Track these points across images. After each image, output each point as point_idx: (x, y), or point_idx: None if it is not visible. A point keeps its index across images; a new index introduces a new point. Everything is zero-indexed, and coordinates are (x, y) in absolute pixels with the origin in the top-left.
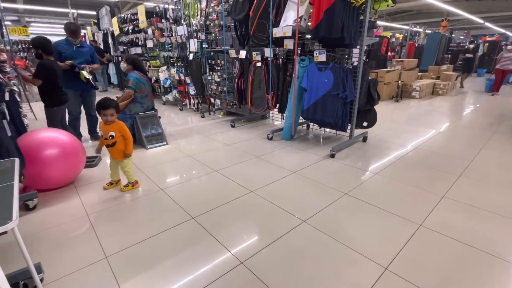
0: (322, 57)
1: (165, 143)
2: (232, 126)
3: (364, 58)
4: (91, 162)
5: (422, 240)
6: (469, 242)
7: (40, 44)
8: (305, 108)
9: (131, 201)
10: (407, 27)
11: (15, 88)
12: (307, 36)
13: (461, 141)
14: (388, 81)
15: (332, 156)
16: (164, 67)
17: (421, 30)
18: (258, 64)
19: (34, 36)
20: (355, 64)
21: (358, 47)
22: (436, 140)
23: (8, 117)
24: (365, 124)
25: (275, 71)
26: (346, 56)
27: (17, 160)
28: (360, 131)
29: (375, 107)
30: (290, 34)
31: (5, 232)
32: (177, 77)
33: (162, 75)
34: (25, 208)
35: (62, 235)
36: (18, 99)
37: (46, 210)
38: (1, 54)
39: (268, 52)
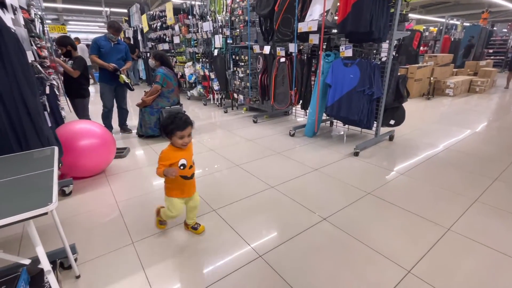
0: (349, 52)
1: None
2: (255, 122)
3: (394, 53)
4: (121, 153)
5: (450, 244)
6: (502, 249)
7: (69, 43)
8: (329, 104)
9: (157, 191)
10: (442, 20)
11: (54, 82)
12: (333, 30)
13: (498, 143)
14: (419, 77)
15: (356, 154)
16: (190, 63)
17: (458, 23)
18: (282, 59)
19: (60, 36)
20: (383, 59)
21: (387, 41)
22: (471, 141)
23: (48, 109)
24: (392, 122)
25: (299, 66)
26: (374, 51)
27: (56, 148)
28: (387, 130)
29: (404, 104)
30: (315, 28)
31: (45, 213)
32: (202, 73)
33: (188, 71)
34: (61, 193)
35: (94, 220)
36: (57, 93)
37: (80, 196)
38: (43, 50)
39: (292, 47)
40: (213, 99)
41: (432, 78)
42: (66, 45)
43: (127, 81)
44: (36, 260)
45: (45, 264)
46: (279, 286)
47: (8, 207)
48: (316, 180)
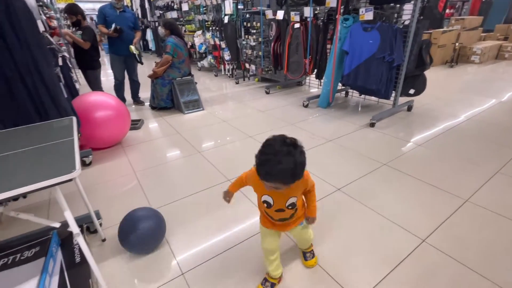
0: (369, 15)
1: (201, 109)
2: (267, 93)
3: (418, 16)
4: (135, 125)
5: (467, 215)
6: None
7: (80, 12)
8: (346, 73)
9: (173, 161)
10: None
11: (66, 54)
12: None
13: None
14: (443, 43)
15: (372, 125)
16: (199, 32)
17: None
18: (297, 25)
19: (69, 3)
20: (406, 23)
21: (412, 2)
22: (495, 111)
23: (63, 81)
24: (411, 91)
25: (314, 33)
26: (396, 15)
27: (74, 118)
28: (406, 99)
29: (425, 72)
30: None
31: (70, 180)
32: (212, 42)
33: (197, 40)
34: (82, 163)
35: (114, 188)
36: (70, 65)
37: (100, 166)
38: (52, 20)
39: (308, 11)
40: (224, 69)
41: (457, 44)
42: (76, 13)
43: (135, 52)
44: (65, 224)
45: (74, 227)
46: (292, 252)
47: (34, 174)
48: (330, 151)
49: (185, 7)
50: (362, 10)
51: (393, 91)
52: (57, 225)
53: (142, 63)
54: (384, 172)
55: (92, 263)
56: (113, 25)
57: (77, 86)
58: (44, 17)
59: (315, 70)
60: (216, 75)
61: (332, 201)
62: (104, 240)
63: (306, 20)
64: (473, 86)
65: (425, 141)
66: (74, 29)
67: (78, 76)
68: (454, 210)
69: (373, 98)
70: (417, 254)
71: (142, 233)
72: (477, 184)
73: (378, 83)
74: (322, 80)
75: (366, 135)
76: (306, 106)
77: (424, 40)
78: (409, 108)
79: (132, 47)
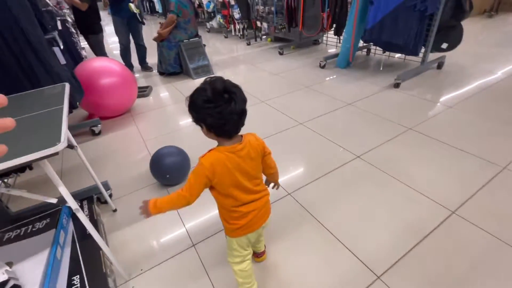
0: None
1: (211, 74)
2: (280, 54)
3: None
4: (143, 92)
5: (504, 184)
6: None
7: None
8: (369, 26)
9: (184, 128)
10: None
11: (68, 18)
12: None
13: None
14: None
15: (397, 85)
16: None
17: None
18: None
19: None
20: None
21: None
22: None
23: (61, 46)
24: (444, 46)
25: None
26: None
27: (67, 85)
28: (436, 56)
29: (462, 22)
30: None
31: (56, 153)
32: None
33: None
34: (91, 133)
35: (124, 158)
36: (72, 30)
37: (109, 135)
38: None
39: None
40: (234, 30)
41: None
42: None
43: (135, 11)
44: (77, 194)
45: (72, 203)
46: (307, 221)
47: (17, 148)
48: (349, 115)
49: None
50: None
51: (423, 46)
52: (53, 200)
53: (143, 23)
54: (409, 137)
55: (96, 236)
56: None
57: (83, 53)
58: None
59: (334, 26)
60: (226, 37)
61: (350, 169)
62: (115, 210)
63: None
64: None
65: (456, 102)
66: None
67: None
68: (490, 179)
69: (398, 55)
70: (446, 227)
71: (169, 166)
72: None
73: (406, 37)
74: (341, 37)
75: (390, 97)
76: (323, 67)
77: None
78: (440, 66)
79: (132, 5)
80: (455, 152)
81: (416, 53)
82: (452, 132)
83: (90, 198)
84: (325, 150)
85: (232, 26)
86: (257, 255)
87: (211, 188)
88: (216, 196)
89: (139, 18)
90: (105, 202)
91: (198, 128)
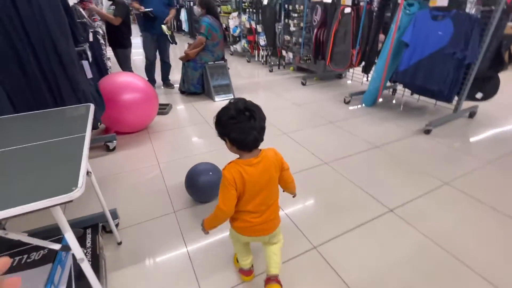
0: (443, 1)
1: (231, 95)
2: (303, 84)
3: (504, 5)
4: (163, 109)
5: None
6: None
7: None
8: (402, 68)
9: (199, 155)
10: None
11: (99, 30)
12: None
13: None
14: None
15: (427, 132)
16: (235, 14)
17: None
18: (347, 10)
19: None
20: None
21: None
22: None
23: (90, 58)
24: (479, 95)
25: (367, 20)
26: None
27: (92, 106)
28: (469, 104)
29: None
30: None
31: (69, 201)
32: (247, 25)
33: (232, 23)
34: (105, 148)
35: (136, 181)
36: (102, 41)
37: (123, 152)
38: None
39: None
40: (258, 55)
41: None
42: None
43: (167, 33)
44: (79, 222)
45: (77, 252)
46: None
47: (26, 185)
48: (378, 159)
49: None
50: None
51: (457, 94)
52: (57, 247)
53: (175, 43)
54: (447, 194)
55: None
56: (146, 9)
57: (108, 64)
58: None
59: (363, 63)
60: (248, 61)
61: (383, 224)
62: (119, 243)
63: (358, 5)
64: None
65: (495, 158)
66: (110, 4)
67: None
68: None
69: (427, 99)
70: None
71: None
72: None
73: (442, 84)
74: (369, 75)
75: (420, 144)
76: (347, 103)
77: (506, 35)
78: (472, 115)
79: (164, 27)
80: (504, 220)
81: (449, 100)
82: (496, 192)
83: (95, 226)
84: (355, 198)
85: (256, 51)
86: (267, 280)
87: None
88: None
89: (170, 39)
90: (110, 231)
91: (214, 155)
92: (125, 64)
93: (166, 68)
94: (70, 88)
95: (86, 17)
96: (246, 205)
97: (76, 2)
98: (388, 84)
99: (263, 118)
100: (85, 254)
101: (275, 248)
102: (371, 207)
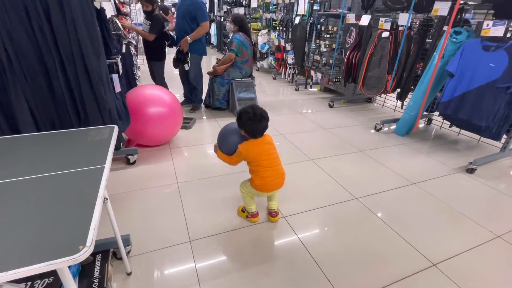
0: (498, 31)
1: None
2: (330, 106)
3: None
4: (187, 123)
5: None
6: None
7: (156, 1)
8: (445, 99)
9: (218, 177)
10: None
11: (132, 40)
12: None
13: None
14: None
15: (471, 171)
16: (264, 31)
17: None
18: (385, 34)
19: None
20: None
21: None
22: None
23: (121, 71)
24: None
25: (406, 45)
26: None
27: (115, 129)
28: None
29: None
30: None
31: (74, 263)
32: (276, 43)
33: (261, 39)
34: (126, 161)
35: (153, 201)
36: (134, 52)
37: (143, 167)
38: (125, 6)
39: (404, 19)
40: (284, 73)
41: None
42: (153, 3)
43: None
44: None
45: None
46: None
47: (24, 237)
48: (415, 199)
49: (254, 3)
50: (487, 24)
51: (507, 132)
52: None
53: (182, 67)
54: (500, 250)
55: None
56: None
57: (138, 74)
58: (115, 1)
59: (397, 90)
60: (274, 78)
61: (427, 282)
62: (129, 273)
63: (397, 29)
64: None
65: None
66: (144, 17)
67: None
68: None
69: (469, 133)
70: None
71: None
72: None
73: (491, 119)
74: (404, 102)
75: (462, 184)
76: (378, 130)
77: None
78: None
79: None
80: None
81: (498, 138)
82: None
83: (106, 252)
84: (391, 245)
85: (283, 69)
86: (272, 215)
87: (248, 163)
88: (250, 167)
89: (180, 62)
90: (121, 258)
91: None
92: (158, 76)
93: (191, 88)
94: (96, 107)
95: (122, 29)
96: (265, 171)
97: (113, 14)
98: (424, 113)
99: (268, 119)
100: (92, 285)
101: (275, 195)
102: (411, 259)
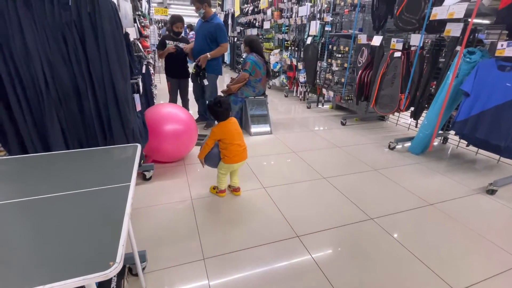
0: None
1: (268, 126)
2: (343, 124)
3: None
4: (201, 140)
5: None
6: None
7: (180, 21)
8: (461, 119)
9: (229, 194)
10: None
11: (151, 60)
12: (482, 20)
13: None
14: None
15: (491, 192)
16: (277, 51)
17: None
18: (397, 54)
19: (177, 14)
20: None
21: None
22: None
23: (141, 91)
24: None
25: (419, 64)
26: None
27: (139, 147)
28: None
29: None
30: (461, 15)
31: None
32: (288, 62)
33: (273, 59)
34: (142, 177)
35: (168, 217)
36: (152, 71)
37: (158, 183)
38: (146, 29)
39: (416, 39)
40: (296, 91)
41: None
42: (183, 24)
43: (192, 71)
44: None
45: None
46: None
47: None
48: (434, 221)
49: (266, 25)
50: (501, 44)
51: None
52: None
53: (202, 84)
54: None
55: None
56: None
57: (154, 92)
58: (138, 25)
59: (411, 109)
60: (286, 96)
61: None
62: None
63: (409, 49)
64: None
65: None
66: (172, 37)
67: (158, 81)
68: None
69: (487, 152)
70: None
71: None
72: None
73: (510, 139)
74: (418, 121)
75: (482, 206)
76: (392, 148)
77: None
78: None
79: (192, 65)
80: None
81: None
82: None
83: (122, 268)
84: (412, 270)
85: (295, 87)
86: (235, 190)
87: (221, 142)
88: (221, 144)
89: (197, 80)
90: (136, 274)
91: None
92: (184, 92)
93: (204, 106)
94: (120, 126)
95: (142, 50)
96: (234, 141)
97: (135, 37)
98: (439, 132)
99: (226, 105)
100: None
101: (237, 172)
102: (432, 285)
